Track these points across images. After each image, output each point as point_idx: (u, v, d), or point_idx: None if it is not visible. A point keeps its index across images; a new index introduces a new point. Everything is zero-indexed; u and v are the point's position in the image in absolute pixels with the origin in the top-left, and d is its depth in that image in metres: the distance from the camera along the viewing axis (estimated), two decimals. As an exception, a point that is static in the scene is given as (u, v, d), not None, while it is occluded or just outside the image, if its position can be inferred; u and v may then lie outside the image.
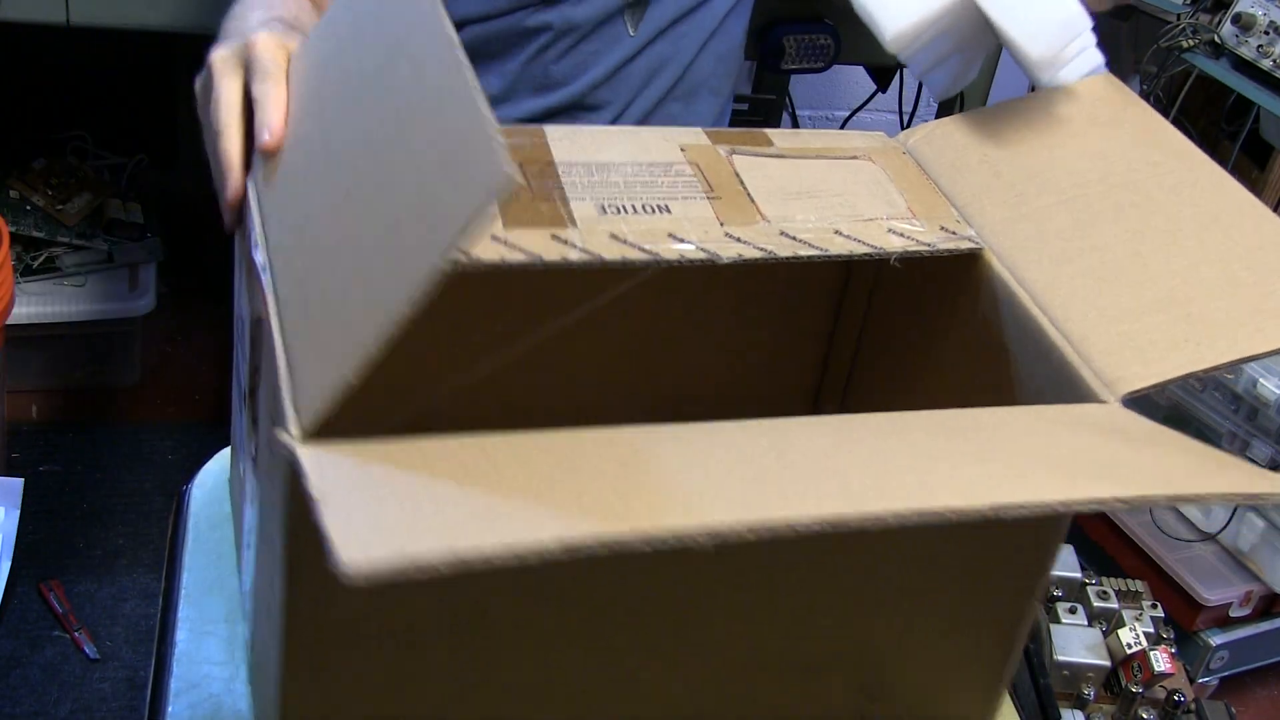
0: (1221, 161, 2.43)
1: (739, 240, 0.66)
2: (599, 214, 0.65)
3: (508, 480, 0.48)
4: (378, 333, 0.49)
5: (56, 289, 1.82)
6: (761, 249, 0.66)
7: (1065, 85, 0.77)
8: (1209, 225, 0.70)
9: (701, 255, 0.65)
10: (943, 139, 0.78)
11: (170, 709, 0.71)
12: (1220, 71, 1.48)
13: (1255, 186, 2.13)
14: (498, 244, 0.60)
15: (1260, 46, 1.42)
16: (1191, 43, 1.48)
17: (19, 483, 1.59)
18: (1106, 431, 0.59)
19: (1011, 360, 0.70)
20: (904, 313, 0.81)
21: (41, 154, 1.92)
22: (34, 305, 1.78)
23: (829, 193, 0.71)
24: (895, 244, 0.69)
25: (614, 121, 1.18)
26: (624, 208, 0.66)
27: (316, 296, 0.55)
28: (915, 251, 0.69)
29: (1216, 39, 1.46)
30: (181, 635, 0.75)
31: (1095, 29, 0.78)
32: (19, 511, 1.57)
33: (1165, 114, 1.77)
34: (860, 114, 2.21)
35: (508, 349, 0.75)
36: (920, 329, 0.79)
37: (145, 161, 2.02)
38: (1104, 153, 0.75)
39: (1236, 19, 1.44)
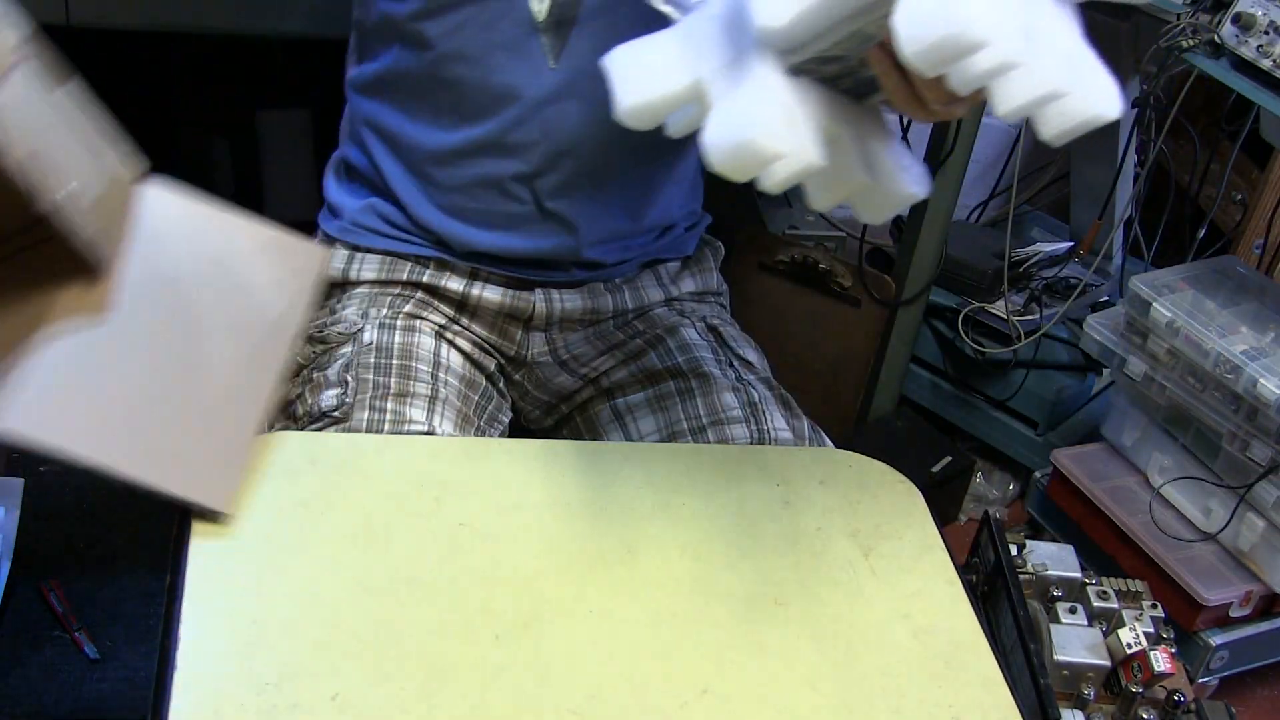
0: (1221, 161, 2.40)
1: None
2: None
3: None
4: None
5: (56, 289, 1.82)
6: None
7: None
8: None
9: None
10: None
11: (172, 705, 0.71)
12: (1220, 71, 1.48)
13: (1255, 186, 2.13)
14: None
15: (1260, 46, 1.42)
16: (1191, 42, 1.48)
17: (19, 483, 1.58)
18: None
19: None
20: None
21: (41, 154, 1.92)
22: (34, 305, 1.78)
23: None
24: None
25: (538, 170, 1.06)
26: None
27: None
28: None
29: (1216, 39, 1.46)
30: (185, 631, 0.75)
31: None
32: (19, 511, 1.57)
33: (1165, 114, 1.77)
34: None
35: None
36: None
37: (145, 162, 2.01)
38: None
39: (1236, 19, 1.44)
